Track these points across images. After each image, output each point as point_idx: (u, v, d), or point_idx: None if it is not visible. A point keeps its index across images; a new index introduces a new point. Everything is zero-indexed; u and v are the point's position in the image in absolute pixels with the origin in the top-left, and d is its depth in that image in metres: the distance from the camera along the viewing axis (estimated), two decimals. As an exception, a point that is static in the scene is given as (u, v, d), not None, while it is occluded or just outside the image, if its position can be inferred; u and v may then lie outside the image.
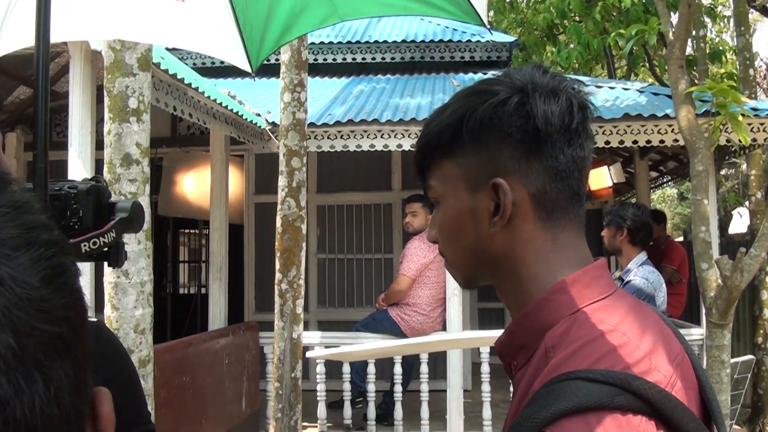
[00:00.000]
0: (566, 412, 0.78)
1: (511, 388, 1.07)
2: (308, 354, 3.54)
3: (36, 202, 0.51)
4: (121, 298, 3.74)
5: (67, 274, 0.48)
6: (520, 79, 0.97)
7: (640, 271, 4.36)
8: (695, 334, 6.60)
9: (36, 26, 1.27)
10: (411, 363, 6.77)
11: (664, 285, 4.48)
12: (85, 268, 3.79)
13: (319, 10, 1.99)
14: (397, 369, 6.52)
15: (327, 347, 6.51)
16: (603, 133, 6.61)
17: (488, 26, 1.89)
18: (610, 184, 8.28)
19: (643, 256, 4.45)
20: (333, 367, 6.83)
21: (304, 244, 5.53)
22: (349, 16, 2.05)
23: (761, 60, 18.65)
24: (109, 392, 0.54)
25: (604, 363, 0.82)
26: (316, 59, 9.53)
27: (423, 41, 9.81)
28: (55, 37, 1.39)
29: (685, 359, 0.95)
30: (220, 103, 5.78)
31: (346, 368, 6.51)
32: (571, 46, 11.90)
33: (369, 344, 6.08)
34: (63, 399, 0.45)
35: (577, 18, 11.90)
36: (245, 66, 2.11)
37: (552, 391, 0.81)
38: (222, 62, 9.66)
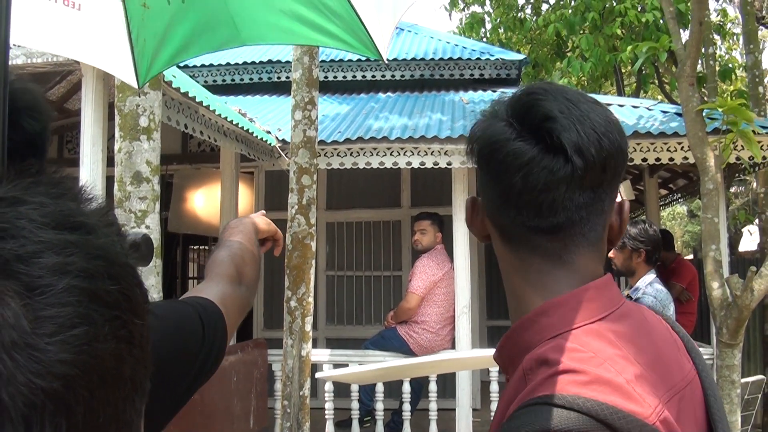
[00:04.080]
0: None
1: None
2: (317, 375, 3.54)
3: (108, 237, 0.49)
4: (131, 316, 3.74)
5: (81, 328, 0.44)
6: (501, 101, 1.01)
7: (649, 290, 4.33)
8: (705, 353, 6.56)
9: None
10: (420, 382, 6.74)
11: (672, 303, 4.45)
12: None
13: (222, 32, 1.98)
14: (406, 388, 6.50)
15: (335, 365, 6.50)
16: (612, 151, 6.58)
17: (386, 61, 1.92)
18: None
19: (652, 274, 4.43)
20: (341, 386, 6.81)
21: (313, 262, 5.53)
22: (251, 41, 2.04)
23: (771, 77, 18.60)
24: None
25: (576, 389, 0.82)
26: (326, 77, 9.57)
27: (432, 59, 9.85)
28: None
29: (691, 385, 0.94)
30: (231, 121, 5.81)
31: (355, 387, 6.49)
32: (581, 59, 11.91)
33: (377, 365, 6.05)
34: None
35: (587, 32, 11.92)
36: (132, 81, 2.07)
37: (521, 415, 0.82)
38: (233, 80, 9.74)
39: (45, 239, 0.45)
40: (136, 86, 2.07)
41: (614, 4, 10.83)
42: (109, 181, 4.24)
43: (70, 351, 0.43)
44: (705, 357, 6.39)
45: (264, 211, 1.74)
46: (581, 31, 12.04)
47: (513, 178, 0.92)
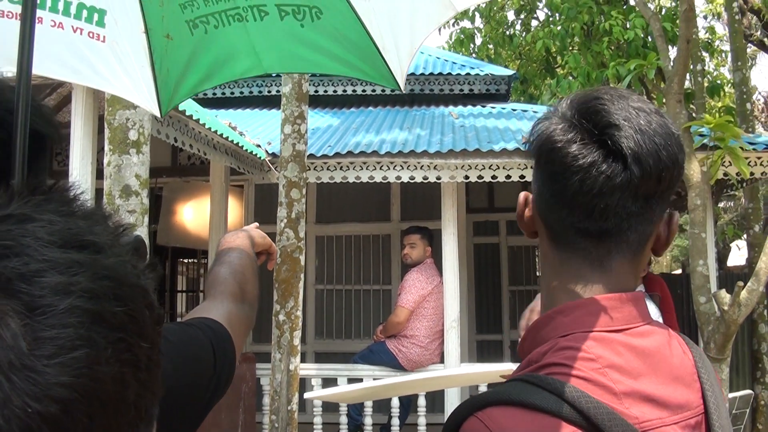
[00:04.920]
0: (495, 403, 0.86)
1: None
2: (305, 395, 3.47)
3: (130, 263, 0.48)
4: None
5: (82, 351, 0.43)
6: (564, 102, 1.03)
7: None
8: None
9: (18, 58, 1.29)
10: (409, 396, 6.73)
11: (661, 318, 4.47)
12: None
13: (244, 61, 2.02)
14: (395, 402, 6.48)
15: (324, 379, 6.48)
16: (601, 167, 6.63)
17: (403, 90, 1.98)
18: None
19: (640, 289, 4.44)
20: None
21: (302, 275, 5.53)
22: (273, 69, 2.09)
23: (759, 93, 18.77)
24: None
25: (564, 380, 0.86)
26: (316, 91, 9.59)
27: (423, 74, 9.88)
28: None
29: (698, 420, 0.94)
30: (221, 135, 5.82)
31: (341, 403, 6.47)
32: (571, 78, 11.99)
33: (366, 384, 6.03)
34: None
35: (576, 49, 12.01)
36: (155, 110, 2.09)
37: (508, 384, 0.89)
38: (223, 93, 9.75)
39: (49, 258, 0.44)
40: (158, 115, 2.10)
41: (602, 20, 10.91)
42: (99, 194, 4.24)
43: (70, 374, 0.41)
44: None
45: (257, 224, 1.74)
46: (570, 48, 12.13)
47: (571, 179, 0.94)
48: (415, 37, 1.86)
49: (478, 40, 13.99)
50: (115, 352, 0.44)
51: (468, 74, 9.90)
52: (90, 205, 0.51)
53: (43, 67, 1.93)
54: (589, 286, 0.97)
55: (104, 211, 0.53)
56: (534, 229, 1.04)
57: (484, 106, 9.35)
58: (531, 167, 1.06)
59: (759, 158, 6.62)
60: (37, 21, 1.73)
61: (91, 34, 1.96)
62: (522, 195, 1.05)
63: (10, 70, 1.63)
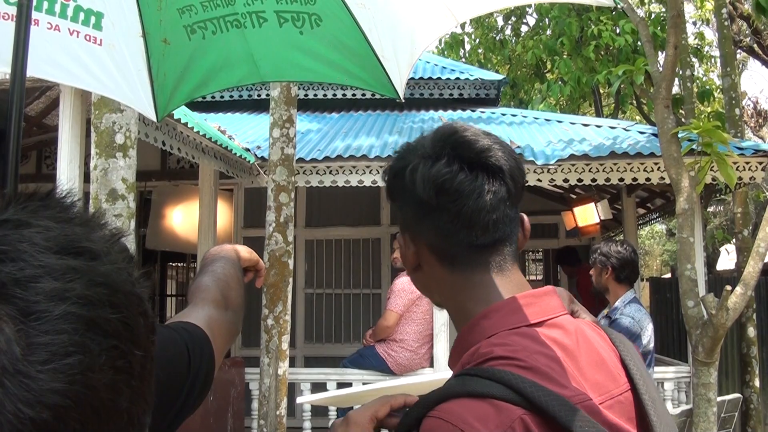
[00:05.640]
0: (444, 399, 0.95)
1: None
2: (297, 400, 3.45)
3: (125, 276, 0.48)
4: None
5: (75, 357, 0.42)
6: (424, 145, 1.13)
7: (627, 310, 4.35)
8: (682, 371, 6.60)
9: (12, 63, 1.28)
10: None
11: (650, 323, 4.48)
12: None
13: (241, 68, 2.01)
14: (384, 406, 6.46)
15: (313, 384, 6.46)
16: (590, 171, 6.66)
17: (402, 99, 1.98)
18: (598, 220, 8.30)
19: (630, 293, 4.44)
20: (319, 405, 6.77)
21: (291, 279, 5.52)
22: (270, 77, 2.09)
23: (748, 99, 18.88)
24: None
25: (500, 368, 0.96)
26: (306, 95, 9.59)
27: (412, 78, 9.89)
28: None
29: (625, 395, 1.06)
30: (210, 138, 5.80)
31: (331, 407, 6.45)
32: (560, 82, 12.02)
33: (359, 388, 6.02)
34: None
35: (566, 55, 12.04)
36: (151, 115, 2.08)
37: (448, 384, 0.98)
38: (213, 96, 9.72)
39: (45, 264, 0.44)
40: (155, 119, 2.10)
41: (591, 26, 10.95)
42: (87, 197, 4.22)
43: (63, 380, 0.41)
44: (681, 375, 6.45)
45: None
46: (561, 53, 12.17)
47: (466, 202, 1.06)
48: (416, 46, 1.86)
49: (468, 45, 14.01)
50: (109, 359, 0.44)
51: (458, 79, 9.92)
52: (86, 212, 0.52)
53: (38, 69, 1.91)
54: (499, 291, 1.08)
55: (100, 218, 0.52)
56: (417, 263, 1.14)
57: (473, 111, 9.36)
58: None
59: (747, 163, 6.65)
60: (33, 23, 1.73)
61: (87, 37, 1.94)
62: (399, 238, 1.17)
63: (4, 71, 1.63)
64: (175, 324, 1.21)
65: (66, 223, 0.48)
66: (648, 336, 4.38)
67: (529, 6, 13.82)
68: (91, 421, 0.43)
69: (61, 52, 1.92)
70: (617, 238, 10.47)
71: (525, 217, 1.18)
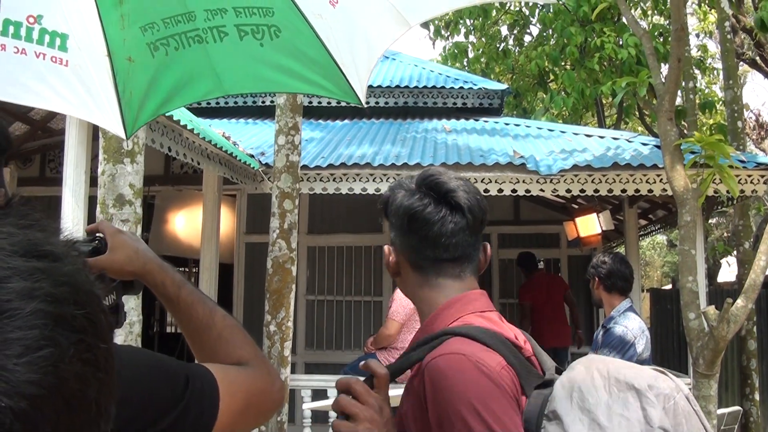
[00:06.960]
0: (442, 342, 1.35)
1: None
2: (304, 406, 3.51)
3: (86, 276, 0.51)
4: (109, 338, 3.73)
5: (47, 350, 0.45)
6: (408, 182, 1.51)
7: (621, 319, 4.37)
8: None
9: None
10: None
11: (646, 332, 4.49)
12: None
13: (205, 83, 2.04)
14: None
15: (314, 391, 6.47)
16: (592, 181, 6.68)
17: (365, 105, 2.02)
18: (599, 231, 8.33)
19: (626, 303, 4.46)
20: (319, 411, 6.78)
21: (293, 286, 5.53)
22: (234, 90, 2.14)
23: (750, 111, 18.90)
24: None
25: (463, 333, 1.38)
26: (311, 102, 9.61)
27: (416, 87, 9.92)
28: None
29: (531, 355, 1.45)
30: (215, 144, 5.83)
31: (333, 412, 6.45)
32: (563, 93, 12.04)
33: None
34: None
35: (569, 66, 12.06)
36: (120, 132, 2.10)
37: (425, 347, 1.38)
38: (217, 103, 9.76)
39: (13, 266, 0.47)
40: (124, 137, 2.11)
41: (594, 38, 10.97)
42: (92, 201, 4.24)
43: (37, 371, 0.44)
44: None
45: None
46: (564, 65, 12.19)
47: (432, 229, 1.44)
48: (372, 52, 1.90)
49: (471, 54, 14.03)
50: (77, 352, 0.47)
51: (461, 88, 9.95)
52: (43, 219, 0.55)
53: (6, 94, 1.94)
54: (455, 290, 1.46)
55: (56, 224, 0.56)
56: (398, 270, 1.52)
57: (477, 120, 9.39)
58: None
59: (749, 176, 6.68)
60: (0, 48, 1.77)
61: (54, 59, 1.96)
62: (386, 248, 1.54)
63: None
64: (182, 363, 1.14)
65: (27, 229, 0.51)
66: (643, 344, 4.40)
67: (532, 15, 13.88)
68: (64, 410, 0.45)
69: (29, 74, 1.94)
70: (615, 250, 10.49)
71: (488, 245, 1.55)
